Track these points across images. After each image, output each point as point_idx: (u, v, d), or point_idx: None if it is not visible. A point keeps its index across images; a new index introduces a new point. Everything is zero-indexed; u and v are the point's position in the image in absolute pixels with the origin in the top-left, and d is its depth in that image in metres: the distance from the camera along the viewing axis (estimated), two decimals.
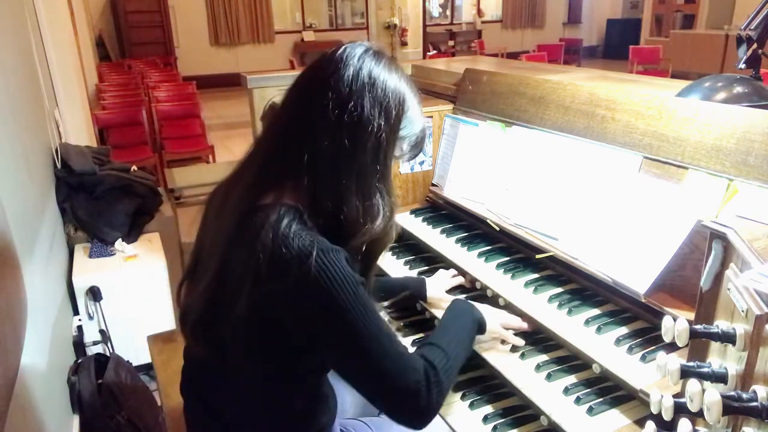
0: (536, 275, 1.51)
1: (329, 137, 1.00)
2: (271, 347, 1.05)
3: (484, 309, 1.37)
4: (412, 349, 1.46)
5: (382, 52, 1.08)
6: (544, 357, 1.33)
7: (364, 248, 1.12)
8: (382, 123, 1.02)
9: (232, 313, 1.00)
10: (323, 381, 1.20)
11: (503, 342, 1.38)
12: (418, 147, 1.17)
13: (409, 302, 1.65)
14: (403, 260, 1.82)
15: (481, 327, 1.32)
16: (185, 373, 1.25)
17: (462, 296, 1.60)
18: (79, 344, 2.43)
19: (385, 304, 1.65)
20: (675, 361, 0.79)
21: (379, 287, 1.55)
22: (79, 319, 2.53)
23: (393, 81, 1.05)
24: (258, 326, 1.02)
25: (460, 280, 1.64)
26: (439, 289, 1.59)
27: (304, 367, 1.10)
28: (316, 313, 0.98)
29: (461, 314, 1.30)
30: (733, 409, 0.70)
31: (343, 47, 1.06)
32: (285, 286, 0.96)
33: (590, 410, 1.15)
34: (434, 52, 12.41)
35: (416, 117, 1.11)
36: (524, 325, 1.39)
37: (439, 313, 1.54)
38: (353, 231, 1.04)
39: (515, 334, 1.39)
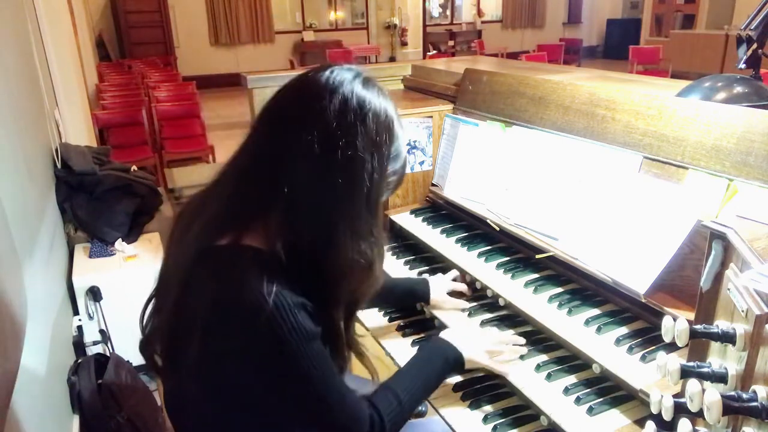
0: (536, 275, 1.51)
1: (315, 177, 0.90)
2: (222, 393, 0.99)
3: (467, 339, 1.30)
4: (411, 350, 1.47)
5: (372, 78, 0.97)
6: (544, 357, 1.33)
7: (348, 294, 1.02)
8: (374, 161, 0.92)
9: (186, 356, 0.95)
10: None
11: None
12: (398, 183, 1.06)
13: (409, 303, 1.65)
14: (403, 260, 1.82)
15: (457, 365, 1.26)
16: (165, 402, 1.23)
17: (463, 298, 1.61)
18: (79, 344, 2.43)
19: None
20: (675, 361, 0.79)
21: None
22: (79, 319, 2.53)
23: (383, 109, 0.95)
24: (211, 375, 0.97)
25: (462, 286, 1.61)
26: (441, 292, 1.58)
27: (262, 412, 1.03)
28: (263, 366, 0.92)
29: (432, 355, 1.24)
30: (733, 409, 0.70)
31: (330, 69, 0.95)
32: (234, 341, 0.90)
33: (590, 410, 1.15)
34: (434, 52, 12.42)
35: (402, 150, 1.02)
36: (514, 354, 1.34)
37: (440, 314, 1.55)
38: (337, 277, 0.94)
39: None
